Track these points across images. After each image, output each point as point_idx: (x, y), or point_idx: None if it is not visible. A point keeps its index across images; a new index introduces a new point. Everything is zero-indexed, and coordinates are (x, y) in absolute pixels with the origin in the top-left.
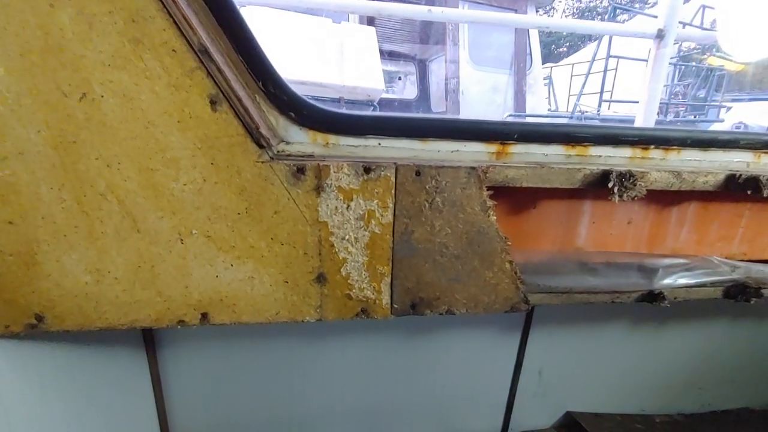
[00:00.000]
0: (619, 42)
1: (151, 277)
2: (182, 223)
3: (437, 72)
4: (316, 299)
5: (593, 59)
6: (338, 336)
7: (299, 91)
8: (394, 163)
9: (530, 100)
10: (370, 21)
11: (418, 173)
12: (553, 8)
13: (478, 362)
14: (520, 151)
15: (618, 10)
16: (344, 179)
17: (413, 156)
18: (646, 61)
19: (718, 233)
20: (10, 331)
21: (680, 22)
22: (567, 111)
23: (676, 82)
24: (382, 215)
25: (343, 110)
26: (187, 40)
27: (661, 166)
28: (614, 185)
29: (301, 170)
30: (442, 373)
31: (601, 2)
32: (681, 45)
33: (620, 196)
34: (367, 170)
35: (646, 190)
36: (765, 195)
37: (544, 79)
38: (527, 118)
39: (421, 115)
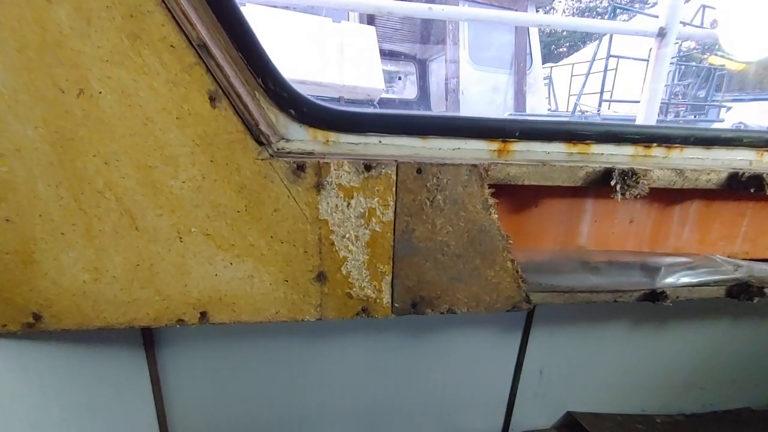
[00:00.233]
0: (619, 42)
1: (149, 275)
2: (181, 221)
3: (437, 72)
4: (316, 298)
5: (593, 59)
6: (338, 335)
7: (299, 90)
8: (395, 161)
9: (530, 100)
10: (370, 20)
11: (419, 171)
12: (553, 8)
13: (479, 362)
14: (522, 148)
15: (618, 10)
16: (345, 177)
17: (414, 154)
18: (647, 60)
19: (720, 232)
20: (7, 331)
21: (680, 22)
22: (567, 111)
23: (676, 81)
24: (382, 213)
25: (343, 107)
26: (186, 36)
27: (663, 164)
28: (617, 183)
29: (301, 168)
30: (443, 373)
31: (600, 2)
32: (681, 45)
33: (623, 195)
34: (367, 168)
35: (649, 188)
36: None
37: (544, 79)
38: (527, 118)
39: (422, 112)
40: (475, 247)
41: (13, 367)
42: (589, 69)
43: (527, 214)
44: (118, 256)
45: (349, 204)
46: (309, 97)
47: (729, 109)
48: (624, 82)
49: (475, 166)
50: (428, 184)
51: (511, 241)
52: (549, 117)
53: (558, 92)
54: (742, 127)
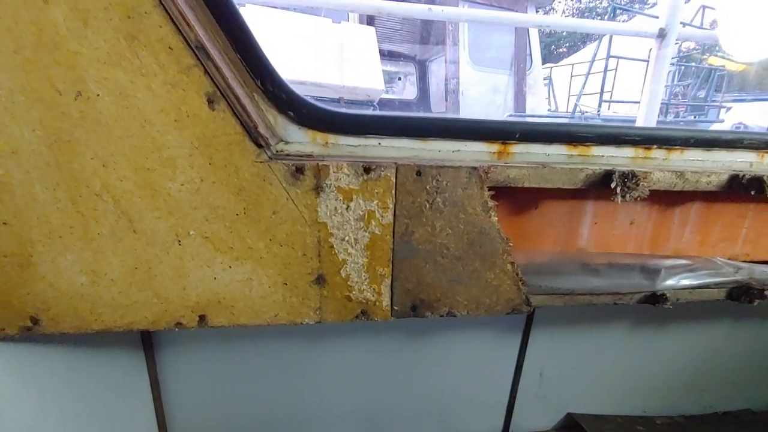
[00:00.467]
0: (618, 42)
1: (147, 278)
2: (179, 224)
3: (437, 72)
4: (315, 301)
5: (593, 59)
6: (338, 337)
7: (298, 91)
8: (395, 163)
9: (530, 101)
10: (370, 21)
11: (418, 173)
12: (553, 8)
13: (479, 364)
14: (522, 150)
15: (618, 11)
16: (344, 179)
17: (414, 156)
18: (646, 61)
19: (721, 234)
20: (4, 334)
21: (680, 23)
22: (567, 111)
23: (675, 82)
24: (382, 216)
25: (343, 109)
26: (184, 37)
27: (663, 166)
28: (617, 185)
29: (300, 170)
30: (443, 375)
31: (600, 2)
32: (681, 45)
33: (623, 197)
34: (367, 170)
35: (649, 190)
36: None
37: (544, 79)
38: (527, 118)
39: (421, 114)
40: (475, 249)
41: (11, 370)
42: (589, 69)
43: (527, 216)
44: (115, 259)
45: (348, 206)
46: (308, 98)
47: (728, 109)
48: (623, 82)
49: (475, 168)
50: (428, 187)
51: (511, 244)
52: (549, 117)
53: (558, 93)
54: (742, 128)
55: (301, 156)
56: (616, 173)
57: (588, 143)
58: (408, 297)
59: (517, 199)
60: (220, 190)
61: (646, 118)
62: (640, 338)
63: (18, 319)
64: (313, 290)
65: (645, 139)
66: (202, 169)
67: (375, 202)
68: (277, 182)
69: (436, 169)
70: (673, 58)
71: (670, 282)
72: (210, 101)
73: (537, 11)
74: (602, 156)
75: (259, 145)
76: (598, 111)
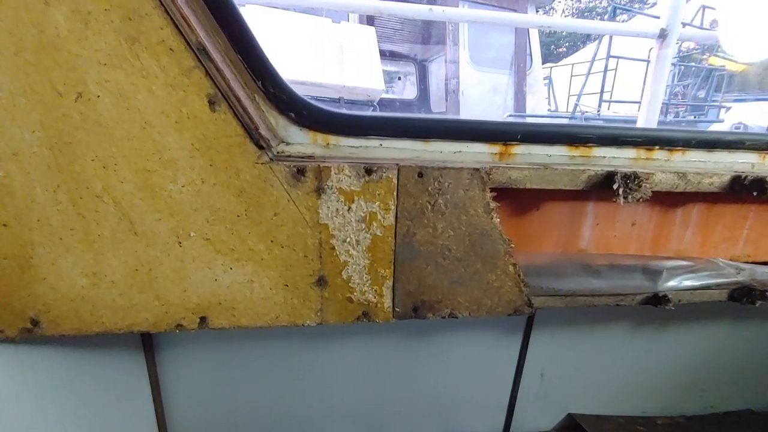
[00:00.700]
0: (618, 42)
1: (148, 280)
2: (180, 226)
3: (437, 72)
4: (316, 303)
5: (593, 59)
6: (338, 338)
7: (299, 91)
8: (396, 165)
9: (530, 101)
10: (370, 21)
11: (420, 174)
12: (553, 8)
13: (480, 364)
14: (523, 152)
15: (618, 11)
16: (345, 181)
17: (415, 157)
18: (646, 61)
19: (722, 235)
20: (5, 336)
21: (681, 23)
22: (567, 111)
23: (675, 82)
24: (383, 217)
25: (344, 110)
26: (185, 39)
27: (665, 167)
28: (619, 187)
29: (301, 171)
30: (443, 375)
31: (600, 2)
32: (681, 45)
33: (625, 198)
34: (368, 171)
35: (651, 191)
36: None
37: (544, 79)
38: (527, 118)
39: (423, 115)
40: (477, 251)
41: (11, 372)
42: (589, 69)
43: (528, 218)
44: (116, 261)
45: (349, 208)
46: (309, 99)
47: (728, 109)
48: (623, 82)
49: (477, 169)
50: (429, 188)
51: (512, 245)
52: (549, 117)
53: (558, 93)
54: (742, 128)
55: (302, 157)
56: (618, 174)
57: (589, 144)
58: (409, 298)
59: (518, 200)
60: (221, 192)
61: (647, 118)
62: (640, 339)
63: (18, 321)
64: (314, 292)
65: (646, 140)
66: (203, 171)
67: (376, 203)
68: (278, 184)
69: (437, 171)
70: (673, 58)
71: (672, 283)
72: (211, 103)
73: (537, 11)
74: (604, 157)
75: (260, 147)
76: (598, 111)
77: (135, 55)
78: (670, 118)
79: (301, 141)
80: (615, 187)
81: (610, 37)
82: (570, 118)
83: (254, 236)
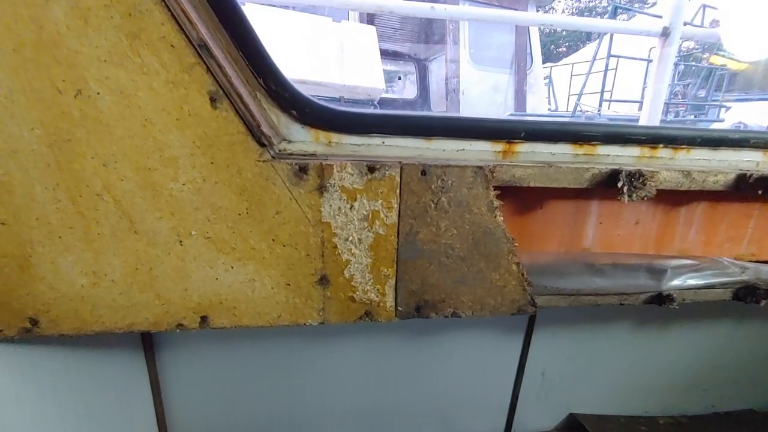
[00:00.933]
0: (617, 41)
1: (149, 279)
2: (181, 224)
3: (437, 72)
4: (318, 302)
5: (594, 58)
6: (339, 337)
7: (299, 90)
8: (399, 163)
9: (531, 100)
10: (370, 20)
11: (423, 173)
12: (553, 8)
13: (481, 364)
14: (527, 150)
15: (618, 10)
16: (348, 179)
17: (418, 155)
18: (647, 60)
19: (726, 234)
20: (4, 336)
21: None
22: (567, 111)
23: (676, 81)
24: (386, 216)
25: (346, 108)
26: (186, 35)
27: (669, 166)
28: (624, 185)
29: (303, 169)
30: (445, 375)
31: (600, 2)
32: (681, 45)
33: (630, 196)
34: (371, 169)
35: (656, 189)
36: None
37: (544, 78)
38: (528, 118)
39: (425, 113)
40: (480, 249)
41: (11, 372)
42: (590, 69)
43: (532, 216)
44: (116, 260)
45: (352, 206)
46: (311, 97)
47: (728, 109)
48: (623, 81)
49: (480, 167)
50: (433, 186)
51: (516, 244)
52: (550, 117)
53: (558, 92)
54: (742, 127)
55: (304, 155)
56: (623, 173)
57: (593, 142)
58: (412, 298)
59: (521, 198)
60: (223, 190)
61: (649, 116)
62: (642, 338)
63: (17, 321)
64: (316, 291)
65: (651, 138)
66: (204, 169)
67: (379, 201)
68: (280, 182)
69: (441, 169)
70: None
71: (676, 282)
72: (212, 100)
73: (537, 10)
74: (608, 155)
75: (262, 145)
76: (599, 110)
77: (135, 51)
78: (670, 117)
79: (303, 139)
80: (619, 185)
81: (611, 37)
82: (571, 117)
83: (256, 235)
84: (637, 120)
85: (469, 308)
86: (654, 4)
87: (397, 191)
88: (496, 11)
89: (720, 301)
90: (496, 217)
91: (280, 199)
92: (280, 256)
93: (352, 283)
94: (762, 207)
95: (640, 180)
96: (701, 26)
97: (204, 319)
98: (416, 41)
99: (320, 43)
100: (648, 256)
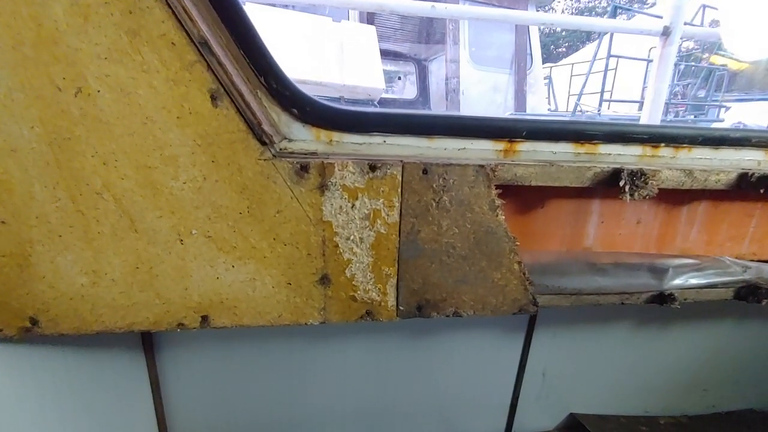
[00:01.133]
0: (617, 41)
1: (149, 278)
2: (181, 223)
3: (437, 72)
4: (319, 301)
5: (594, 58)
6: (340, 337)
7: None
8: (401, 161)
9: (530, 100)
10: (370, 20)
11: (425, 171)
12: (552, 8)
13: (482, 363)
14: (528, 149)
15: (618, 11)
16: (349, 177)
17: (419, 154)
18: (646, 60)
19: (728, 233)
20: (3, 335)
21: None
22: (567, 111)
23: (675, 81)
24: (387, 215)
25: (347, 107)
26: (187, 33)
27: (671, 165)
28: (625, 184)
29: (304, 168)
30: (445, 375)
31: (599, 2)
32: (681, 45)
33: (632, 195)
34: (372, 168)
35: (657, 188)
36: None
37: (544, 78)
38: (533, 117)
39: (427, 112)
40: (482, 248)
41: (10, 372)
42: (590, 69)
43: (533, 215)
44: (116, 259)
45: (353, 205)
46: (312, 96)
47: (728, 109)
48: (622, 81)
49: (482, 166)
50: (434, 185)
51: (517, 243)
52: (550, 117)
53: (558, 92)
54: (742, 127)
55: (305, 154)
56: (625, 172)
57: (595, 141)
58: (413, 297)
59: (522, 197)
60: (223, 189)
61: (650, 116)
62: (643, 338)
63: (17, 320)
64: (317, 290)
65: (652, 137)
66: (204, 167)
67: (381, 200)
68: (281, 180)
69: (442, 167)
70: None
71: (678, 281)
72: (213, 98)
73: (537, 11)
74: (609, 154)
75: (263, 143)
76: (599, 110)
77: (136, 49)
78: (670, 117)
79: (304, 137)
80: (621, 184)
81: (611, 36)
82: (571, 117)
83: (257, 234)
84: (638, 120)
85: (470, 308)
86: (653, 4)
87: (399, 190)
88: (497, 10)
89: (720, 301)
90: (497, 216)
91: (281, 197)
92: (281, 255)
93: (353, 283)
94: (763, 206)
95: (642, 179)
96: (701, 26)
97: (204, 318)
98: (416, 41)
99: (320, 43)
100: (649, 255)
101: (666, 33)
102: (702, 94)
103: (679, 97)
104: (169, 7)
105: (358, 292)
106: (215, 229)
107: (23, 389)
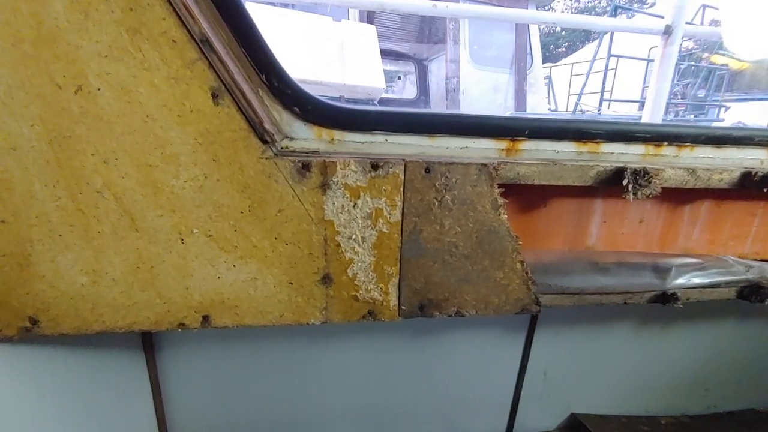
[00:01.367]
0: (617, 41)
1: (150, 278)
2: (182, 222)
3: (437, 71)
4: (321, 301)
5: (594, 58)
6: (341, 336)
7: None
8: (403, 160)
9: (531, 100)
10: (370, 19)
11: (427, 170)
12: (552, 8)
13: (483, 363)
14: (531, 147)
15: (618, 10)
16: (351, 176)
17: (421, 152)
18: (647, 60)
19: (730, 232)
20: (3, 335)
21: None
22: (567, 110)
23: (675, 81)
24: (390, 214)
25: (348, 105)
26: (188, 30)
27: (674, 164)
28: (629, 183)
29: (306, 167)
30: (447, 374)
31: (599, 2)
32: (681, 45)
33: (635, 194)
34: (374, 167)
35: (660, 187)
36: None
37: (544, 78)
38: (535, 116)
39: (428, 110)
40: (484, 248)
41: (11, 372)
42: (590, 68)
43: (536, 214)
44: (117, 258)
45: (355, 204)
46: (313, 94)
47: (728, 108)
48: (622, 81)
49: (484, 165)
50: (437, 184)
51: (520, 242)
52: (550, 117)
53: (557, 92)
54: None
55: (307, 153)
56: (628, 170)
57: (598, 140)
58: (416, 297)
59: (525, 196)
60: (225, 188)
61: (652, 116)
62: (644, 338)
63: (17, 320)
64: (319, 290)
65: (655, 136)
66: (205, 166)
67: (383, 199)
68: (282, 179)
69: (445, 166)
70: None
71: (681, 281)
72: (214, 96)
73: (537, 10)
74: (612, 153)
75: (265, 142)
76: (599, 110)
77: (136, 46)
78: (670, 117)
79: (305, 136)
80: (624, 183)
81: (611, 36)
82: (571, 117)
83: (258, 233)
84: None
85: (473, 307)
86: (653, 4)
87: (401, 189)
88: (498, 9)
89: (722, 300)
90: (500, 215)
91: (283, 196)
92: (282, 254)
93: (355, 282)
94: (766, 205)
95: (645, 178)
96: (701, 26)
97: (206, 318)
98: (416, 41)
99: (320, 42)
100: (652, 254)
101: (668, 32)
102: (702, 93)
103: (680, 96)
104: (170, 4)
105: (360, 291)
106: (216, 228)
107: (23, 389)
